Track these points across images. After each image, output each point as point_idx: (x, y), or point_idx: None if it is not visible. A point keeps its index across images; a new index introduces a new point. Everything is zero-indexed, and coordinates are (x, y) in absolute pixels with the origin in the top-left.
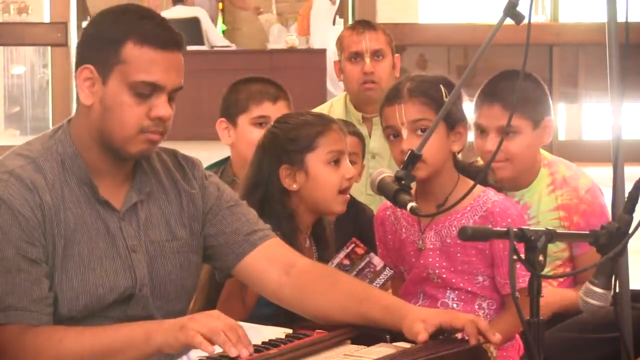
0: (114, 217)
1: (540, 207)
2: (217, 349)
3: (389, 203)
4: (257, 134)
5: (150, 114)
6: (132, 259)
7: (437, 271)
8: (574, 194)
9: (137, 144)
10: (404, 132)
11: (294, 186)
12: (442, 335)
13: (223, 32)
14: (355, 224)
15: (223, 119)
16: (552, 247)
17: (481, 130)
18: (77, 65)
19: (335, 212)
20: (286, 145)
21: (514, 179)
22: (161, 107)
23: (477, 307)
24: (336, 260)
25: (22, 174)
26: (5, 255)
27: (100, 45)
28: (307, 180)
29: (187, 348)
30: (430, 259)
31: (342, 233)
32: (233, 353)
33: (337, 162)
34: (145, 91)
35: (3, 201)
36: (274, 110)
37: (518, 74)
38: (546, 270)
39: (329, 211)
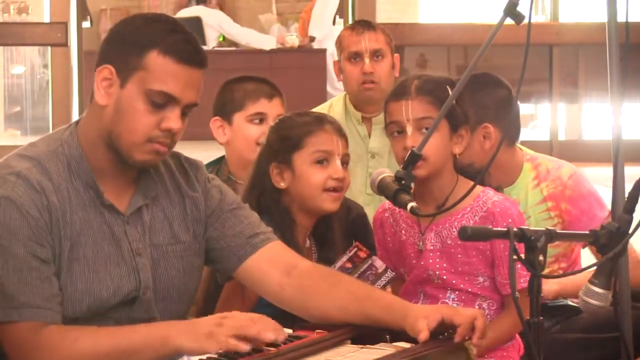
0: (119, 220)
1: (528, 201)
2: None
3: (387, 205)
4: (254, 130)
5: (161, 124)
6: (136, 263)
7: (437, 272)
8: (557, 182)
9: (143, 153)
10: (409, 129)
11: (282, 184)
12: (443, 334)
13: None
14: (347, 221)
15: (217, 117)
16: None
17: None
18: (99, 63)
19: (325, 209)
20: (277, 144)
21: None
22: (173, 119)
23: (477, 307)
24: (339, 264)
25: (28, 176)
26: (16, 253)
27: (125, 47)
28: (293, 179)
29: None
30: (431, 260)
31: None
32: (271, 337)
33: (324, 162)
34: (160, 101)
35: (11, 201)
36: (270, 107)
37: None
38: None
39: (318, 209)
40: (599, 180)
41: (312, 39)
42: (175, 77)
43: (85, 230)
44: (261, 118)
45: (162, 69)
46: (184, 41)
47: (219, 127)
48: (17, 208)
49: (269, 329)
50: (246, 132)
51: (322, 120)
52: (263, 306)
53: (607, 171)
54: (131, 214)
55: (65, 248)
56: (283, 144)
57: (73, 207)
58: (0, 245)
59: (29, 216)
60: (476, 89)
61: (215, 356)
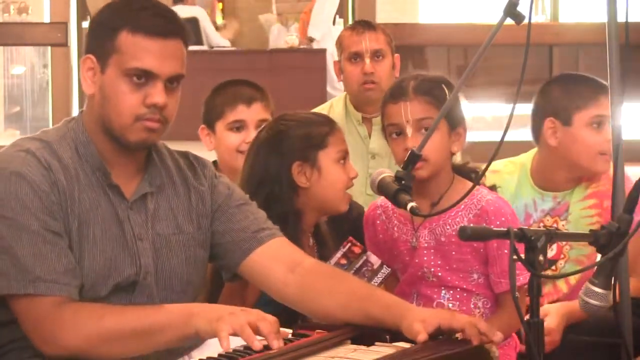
0: (123, 205)
1: (573, 198)
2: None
3: (379, 202)
4: (234, 138)
5: (146, 101)
6: (137, 247)
7: (432, 269)
8: (605, 180)
9: (135, 132)
10: (409, 131)
11: (307, 183)
12: (442, 335)
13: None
14: (347, 220)
15: (204, 125)
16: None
17: (599, 123)
18: (83, 54)
19: (340, 210)
20: (299, 142)
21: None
22: (156, 94)
23: (472, 306)
24: (333, 260)
25: (37, 153)
26: (30, 227)
27: (99, 35)
28: (319, 178)
29: (190, 346)
30: (425, 258)
31: (336, 230)
32: (257, 347)
33: (343, 161)
34: (139, 78)
35: (22, 176)
36: (249, 114)
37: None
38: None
39: (334, 210)
40: None
41: (311, 39)
42: (149, 52)
43: (94, 209)
44: (239, 125)
45: (134, 47)
46: (153, 15)
47: (206, 136)
48: (28, 183)
49: (268, 334)
50: (227, 141)
51: (331, 120)
52: (263, 305)
53: None
54: (135, 200)
55: (73, 225)
56: (307, 142)
57: (81, 186)
58: (13, 219)
59: (40, 190)
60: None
61: (216, 356)
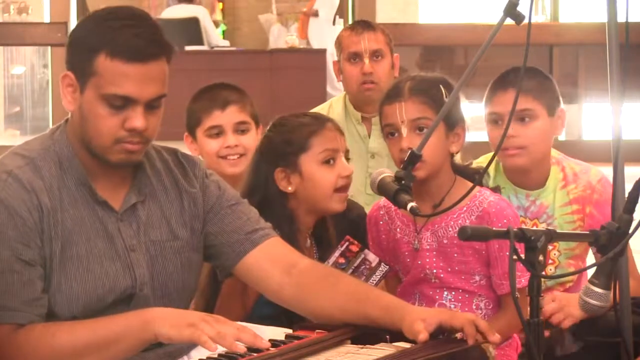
0: (112, 217)
1: (556, 202)
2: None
3: (382, 202)
4: (214, 144)
5: (125, 124)
6: (131, 259)
7: (434, 271)
8: (586, 185)
9: (115, 154)
10: (404, 131)
11: (289, 188)
12: (442, 335)
13: (223, 32)
14: (346, 220)
15: (187, 133)
16: (563, 244)
17: (495, 120)
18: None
19: (334, 210)
20: (280, 148)
21: (526, 172)
22: (135, 119)
23: (474, 307)
24: (332, 260)
25: (20, 175)
26: (0, 256)
27: (79, 53)
28: (302, 182)
29: (189, 346)
30: (427, 259)
31: (335, 230)
32: (241, 350)
33: (331, 161)
34: (118, 103)
35: (0, 201)
36: (225, 118)
37: (527, 70)
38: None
39: (327, 210)
40: None
41: (316, 13)
42: (128, 78)
43: (77, 228)
44: (218, 132)
45: (112, 72)
46: (132, 37)
47: (191, 143)
48: (5, 207)
49: (252, 344)
50: (207, 148)
51: (322, 120)
52: (263, 304)
53: (607, 171)
54: (125, 211)
55: (56, 248)
56: (288, 147)
57: (64, 205)
58: None
59: (17, 217)
60: (545, 77)
61: (215, 356)
